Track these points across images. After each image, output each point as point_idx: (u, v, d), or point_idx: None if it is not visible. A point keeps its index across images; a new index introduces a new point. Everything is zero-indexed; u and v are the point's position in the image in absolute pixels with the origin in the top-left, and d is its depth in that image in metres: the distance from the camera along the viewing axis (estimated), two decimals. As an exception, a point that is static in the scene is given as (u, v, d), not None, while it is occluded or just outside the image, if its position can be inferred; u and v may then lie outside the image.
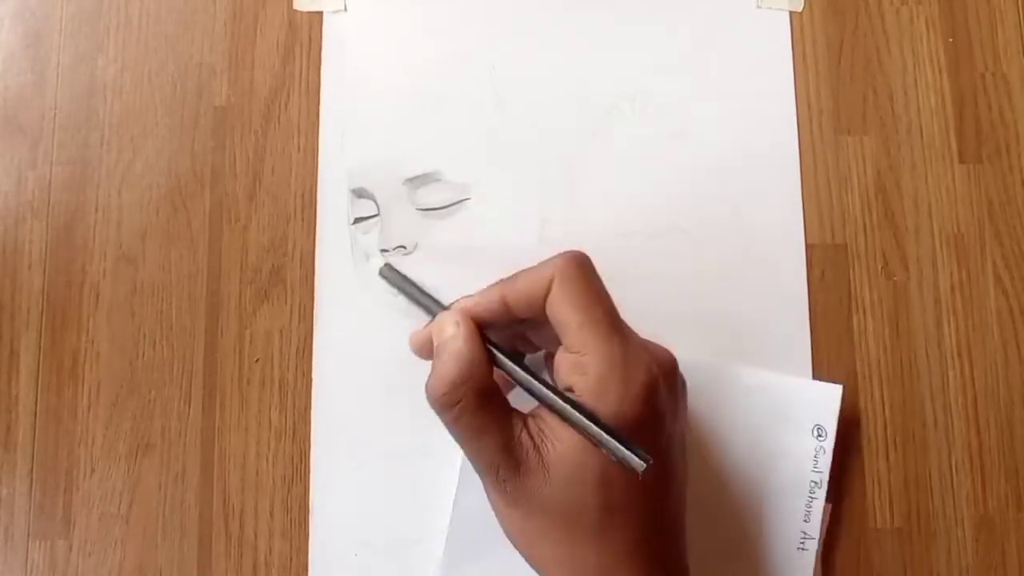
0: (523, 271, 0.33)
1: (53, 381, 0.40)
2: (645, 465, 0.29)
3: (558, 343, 0.32)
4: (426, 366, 0.33)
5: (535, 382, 0.32)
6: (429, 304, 0.35)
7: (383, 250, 0.41)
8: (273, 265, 0.41)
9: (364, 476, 0.39)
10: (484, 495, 0.33)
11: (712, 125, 0.43)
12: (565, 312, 0.31)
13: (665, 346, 0.33)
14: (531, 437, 0.31)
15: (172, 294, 0.41)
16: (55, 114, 0.42)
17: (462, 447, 0.32)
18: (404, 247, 0.41)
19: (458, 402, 0.31)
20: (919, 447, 0.40)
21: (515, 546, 0.32)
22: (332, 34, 0.43)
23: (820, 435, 0.38)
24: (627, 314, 0.33)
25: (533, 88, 0.43)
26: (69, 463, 0.39)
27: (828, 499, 0.38)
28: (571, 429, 0.30)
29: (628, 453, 0.29)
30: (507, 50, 0.43)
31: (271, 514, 0.39)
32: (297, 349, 0.40)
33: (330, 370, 0.40)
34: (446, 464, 0.38)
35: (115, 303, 0.41)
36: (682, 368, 0.34)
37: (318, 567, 0.39)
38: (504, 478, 0.31)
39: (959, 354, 0.41)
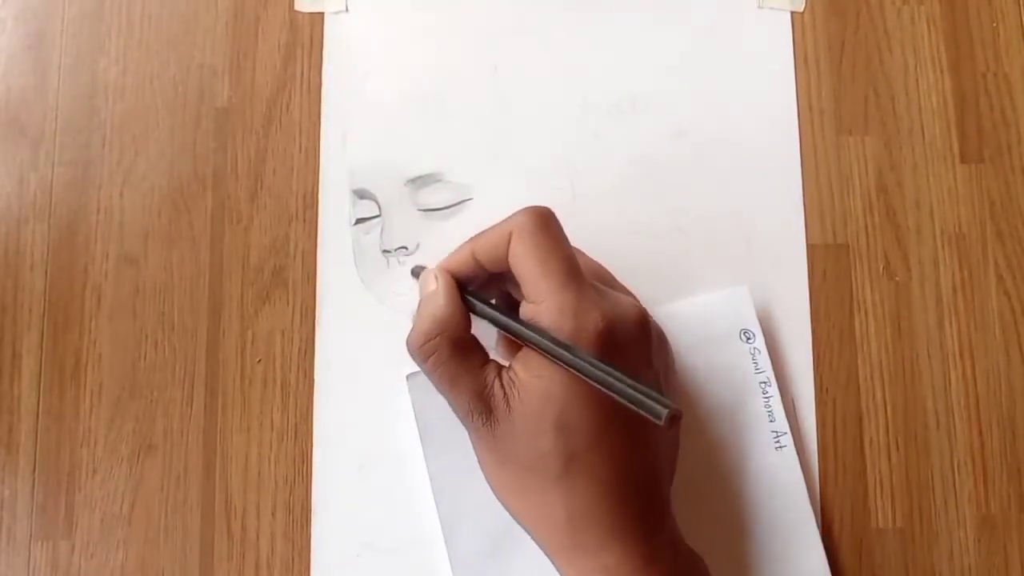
0: (490, 227, 0.33)
1: (55, 382, 0.40)
2: (666, 411, 0.28)
3: None
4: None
5: (513, 323, 0.32)
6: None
7: (385, 251, 0.41)
8: (275, 266, 0.41)
9: (366, 477, 0.39)
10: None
11: (713, 125, 0.43)
12: (522, 264, 0.32)
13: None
14: (502, 386, 0.32)
15: (174, 295, 0.41)
16: (57, 115, 0.42)
17: (444, 395, 0.33)
18: (406, 248, 0.41)
19: (434, 352, 0.32)
20: (921, 447, 0.40)
21: (497, 497, 0.33)
22: (333, 35, 0.43)
23: (748, 338, 0.39)
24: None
25: (534, 88, 0.43)
26: (71, 464, 0.39)
27: (787, 393, 0.39)
28: (536, 378, 0.31)
29: (601, 373, 0.29)
30: (508, 50, 0.43)
31: (273, 515, 0.39)
32: (299, 350, 0.40)
33: (332, 371, 0.40)
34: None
35: (117, 304, 0.41)
36: None
37: (320, 568, 0.39)
38: (479, 425, 0.32)
39: (961, 354, 0.41)
